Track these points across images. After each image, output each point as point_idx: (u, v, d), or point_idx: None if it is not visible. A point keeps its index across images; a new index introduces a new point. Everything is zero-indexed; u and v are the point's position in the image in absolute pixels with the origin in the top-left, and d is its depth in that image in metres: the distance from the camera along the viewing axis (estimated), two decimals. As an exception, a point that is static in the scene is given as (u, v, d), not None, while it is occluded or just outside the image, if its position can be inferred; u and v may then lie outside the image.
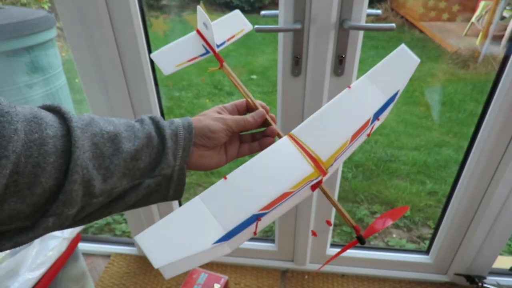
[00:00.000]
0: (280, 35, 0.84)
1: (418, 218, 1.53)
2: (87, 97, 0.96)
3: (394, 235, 1.46)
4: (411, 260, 1.22)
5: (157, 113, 1.00)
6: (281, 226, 1.19)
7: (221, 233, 0.32)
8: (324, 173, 0.35)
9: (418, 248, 1.39)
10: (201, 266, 1.19)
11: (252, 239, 1.31)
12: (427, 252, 1.23)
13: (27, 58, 1.14)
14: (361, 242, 0.37)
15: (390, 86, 0.40)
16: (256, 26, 0.77)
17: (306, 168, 0.35)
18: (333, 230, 1.34)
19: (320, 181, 0.37)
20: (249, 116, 0.44)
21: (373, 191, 1.69)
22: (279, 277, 1.23)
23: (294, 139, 0.37)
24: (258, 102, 0.47)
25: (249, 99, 0.47)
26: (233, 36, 0.54)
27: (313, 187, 0.37)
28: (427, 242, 1.31)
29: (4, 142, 0.26)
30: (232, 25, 0.56)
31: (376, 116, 0.38)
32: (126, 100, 0.95)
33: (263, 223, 0.34)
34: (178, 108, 2.36)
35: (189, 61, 0.52)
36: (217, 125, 0.41)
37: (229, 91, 2.54)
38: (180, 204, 1.25)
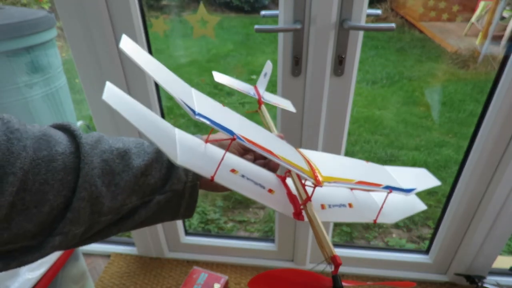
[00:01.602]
0: (280, 35, 0.84)
1: (418, 218, 1.53)
2: (87, 97, 0.96)
3: (394, 235, 1.46)
4: (411, 260, 1.22)
5: (157, 113, 1.00)
6: (281, 226, 1.19)
7: (194, 106, 0.30)
8: (319, 182, 0.33)
9: (418, 248, 1.39)
10: (201, 266, 1.19)
11: (252, 239, 1.31)
12: (427, 252, 1.23)
13: (27, 58, 1.14)
14: (336, 285, 0.30)
15: (407, 181, 0.41)
16: (256, 26, 0.77)
17: (303, 164, 0.34)
18: (333, 230, 1.34)
19: (309, 198, 0.34)
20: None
21: (373, 191, 1.68)
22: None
23: (299, 151, 0.38)
24: (276, 134, 0.46)
25: (268, 125, 0.49)
26: (279, 104, 0.59)
27: (296, 215, 0.34)
28: (427, 242, 1.31)
29: (12, 159, 0.25)
30: (282, 101, 0.61)
31: (389, 188, 0.37)
32: (126, 100, 0.95)
33: (230, 177, 0.31)
34: (178, 108, 2.36)
35: (238, 89, 0.56)
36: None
37: (229, 91, 2.54)
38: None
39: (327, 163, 0.38)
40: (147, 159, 0.34)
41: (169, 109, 2.34)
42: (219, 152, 0.33)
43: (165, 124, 0.31)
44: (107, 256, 1.33)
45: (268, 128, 0.48)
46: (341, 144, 0.99)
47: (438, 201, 1.63)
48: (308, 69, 0.86)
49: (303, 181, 0.36)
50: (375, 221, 0.38)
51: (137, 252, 1.32)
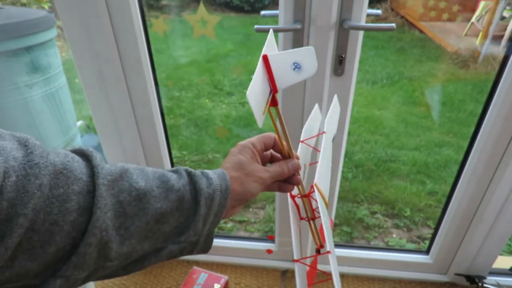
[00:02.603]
0: (280, 35, 0.84)
1: (418, 218, 1.54)
2: (87, 97, 0.96)
3: (394, 235, 1.46)
4: (411, 260, 1.22)
5: (157, 113, 1.00)
6: (281, 226, 1.19)
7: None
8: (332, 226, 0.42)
9: (418, 248, 1.39)
10: (201, 266, 1.19)
11: (252, 239, 1.31)
12: (427, 252, 1.23)
13: (27, 58, 1.14)
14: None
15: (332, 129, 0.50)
16: (256, 26, 0.77)
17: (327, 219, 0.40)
18: (333, 230, 1.34)
19: (314, 217, 0.45)
20: (286, 168, 0.42)
21: (373, 191, 1.69)
22: (279, 277, 1.23)
23: (318, 189, 0.41)
24: (294, 154, 0.44)
25: (287, 146, 0.43)
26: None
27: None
28: (427, 242, 1.31)
29: (26, 199, 0.24)
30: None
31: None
32: (126, 100, 0.95)
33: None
34: (178, 108, 2.36)
35: (266, 103, 0.40)
36: (258, 189, 0.38)
37: (229, 91, 2.55)
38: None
39: (326, 179, 0.44)
40: (165, 206, 0.32)
41: (169, 109, 2.35)
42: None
43: None
44: (107, 256, 1.33)
45: (277, 129, 0.43)
46: (341, 144, 0.99)
47: (438, 201, 1.63)
48: (308, 69, 0.86)
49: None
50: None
51: (137, 252, 1.32)
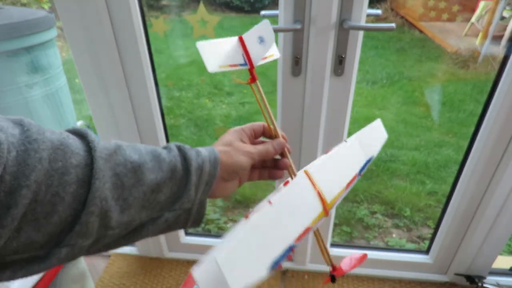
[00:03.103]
0: (280, 35, 0.84)
1: (418, 218, 1.54)
2: (87, 97, 0.96)
3: (394, 235, 1.46)
4: (411, 260, 1.22)
5: (157, 113, 1.00)
6: (281, 226, 1.19)
7: (268, 260, 0.32)
8: (327, 214, 0.37)
9: (418, 248, 1.39)
10: (201, 266, 1.19)
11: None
12: (427, 252, 1.23)
13: (27, 58, 1.14)
14: (332, 280, 0.41)
15: (369, 150, 0.46)
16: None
17: (318, 208, 0.37)
18: (333, 230, 1.34)
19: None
20: (270, 147, 0.44)
21: (373, 191, 1.69)
22: (279, 277, 1.23)
23: (309, 176, 0.39)
24: (281, 133, 0.46)
25: (272, 126, 0.46)
26: (265, 58, 0.51)
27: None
28: (427, 242, 1.31)
29: (28, 171, 0.26)
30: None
31: (360, 172, 0.42)
32: (126, 100, 0.95)
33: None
34: (178, 108, 2.36)
35: (230, 66, 0.47)
36: (246, 162, 0.40)
37: (229, 91, 2.55)
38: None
39: (328, 176, 0.40)
40: (160, 177, 0.34)
41: (169, 109, 2.35)
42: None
43: None
44: (107, 256, 1.33)
45: (265, 111, 0.46)
46: (341, 144, 0.99)
47: (438, 201, 1.63)
48: (308, 69, 0.86)
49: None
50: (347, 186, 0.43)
51: (137, 252, 1.32)
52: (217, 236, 1.38)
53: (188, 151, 0.37)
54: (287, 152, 0.46)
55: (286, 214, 0.35)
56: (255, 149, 0.42)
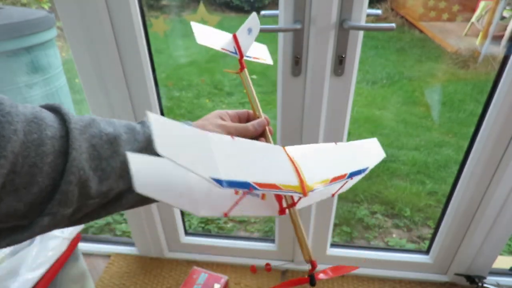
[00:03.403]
0: (280, 35, 0.84)
1: (418, 218, 1.54)
2: (87, 97, 0.96)
3: (394, 235, 1.46)
4: (411, 260, 1.22)
5: (157, 113, 1.00)
6: (281, 226, 1.19)
7: (218, 174, 0.30)
8: (305, 194, 0.35)
9: (418, 248, 1.39)
10: (201, 266, 1.19)
11: (252, 239, 1.31)
12: (427, 252, 1.23)
13: (27, 58, 1.14)
14: (311, 283, 0.37)
15: (363, 159, 0.44)
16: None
17: (292, 178, 0.35)
18: (333, 230, 1.34)
19: (295, 203, 0.37)
20: (249, 125, 0.45)
21: (373, 191, 1.69)
22: (279, 277, 1.23)
23: (286, 152, 0.38)
24: (263, 116, 0.48)
25: (255, 108, 0.48)
26: (258, 58, 0.57)
27: (282, 211, 0.38)
28: (427, 242, 1.31)
29: (3, 143, 0.26)
30: (260, 51, 0.60)
31: (352, 175, 0.40)
32: (126, 100, 0.95)
33: (243, 206, 0.34)
34: (178, 108, 2.36)
35: (222, 49, 0.53)
36: (219, 133, 0.41)
37: (229, 91, 2.55)
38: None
39: (309, 161, 0.39)
40: (135, 147, 0.36)
41: (169, 109, 2.35)
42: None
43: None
44: (107, 256, 1.33)
45: (251, 96, 0.49)
46: (341, 144, 0.99)
47: (438, 201, 1.63)
48: (308, 69, 0.86)
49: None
50: (333, 195, 0.43)
51: (137, 252, 1.32)
52: (217, 236, 1.38)
53: None
54: (268, 134, 0.47)
55: (256, 155, 0.34)
56: (232, 124, 0.43)
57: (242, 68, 0.51)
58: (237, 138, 0.34)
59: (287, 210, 0.38)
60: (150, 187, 0.28)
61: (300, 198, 0.36)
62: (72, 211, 0.32)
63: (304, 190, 0.35)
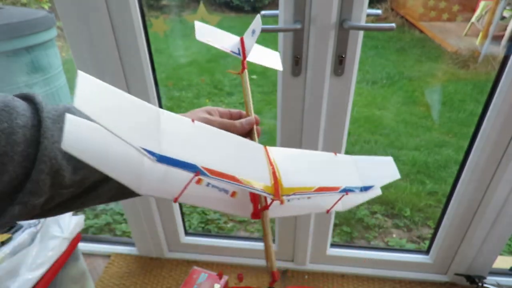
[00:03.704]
0: (280, 35, 0.84)
1: (418, 218, 1.53)
2: (87, 97, 0.96)
3: (394, 235, 1.46)
4: (411, 260, 1.22)
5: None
6: (281, 226, 1.19)
7: (157, 148, 0.27)
8: (278, 197, 0.32)
9: (418, 248, 1.39)
10: (201, 266, 1.19)
11: (252, 239, 1.31)
12: (427, 252, 1.23)
13: (27, 58, 1.14)
14: None
15: (368, 178, 0.41)
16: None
17: (265, 177, 0.33)
18: (333, 230, 1.34)
19: (267, 206, 0.35)
20: (237, 122, 0.44)
21: (373, 191, 1.68)
22: (279, 277, 1.23)
23: (267, 152, 0.37)
24: (253, 116, 0.47)
25: (248, 108, 0.48)
26: (264, 62, 0.57)
27: (256, 214, 0.35)
28: (427, 242, 1.31)
29: None
30: (270, 58, 0.60)
31: (347, 190, 0.37)
32: (126, 100, 0.95)
33: (194, 191, 0.32)
34: (178, 108, 2.36)
35: (221, 47, 0.54)
36: None
37: (229, 91, 2.55)
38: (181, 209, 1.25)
39: (292, 165, 0.37)
40: None
41: (169, 109, 2.34)
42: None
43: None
44: (107, 256, 1.33)
45: (246, 95, 0.49)
46: (341, 144, 0.99)
47: (438, 201, 1.63)
48: (308, 69, 0.86)
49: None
50: (327, 211, 0.40)
51: (137, 252, 1.32)
52: (217, 236, 1.38)
53: None
54: (255, 133, 0.45)
55: (223, 144, 0.33)
56: (218, 119, 0.42)
57: (243, 69, 0.52)
58: (198, 122, 0.33)
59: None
60: (79, 149, 0.26)
61: (272, 200, 0.33)
62: (44, 201, 0.31)
63: (277, 192, 0.33)
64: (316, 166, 0.39)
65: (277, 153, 0.37)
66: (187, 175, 0.28)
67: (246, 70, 0.51)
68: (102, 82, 0.27)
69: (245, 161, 0.34)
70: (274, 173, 0.34)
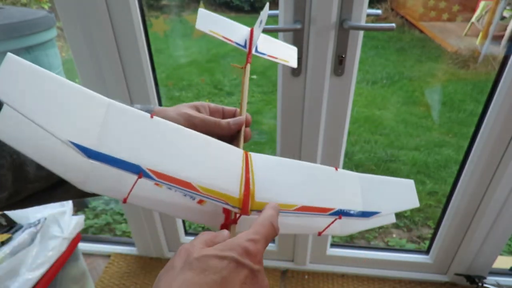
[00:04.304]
0: (280, 35, 0.84)
1: (418, 218, 1.53)
2: (87, 97, 0.96)
3: (394, 235, 1.46)
4: (411, 260, 1.22)
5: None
6: (281, 226, 1.19)
7: (91, 143, 0.25)
8: (246, 212, 0.29)
9: (418, 248, 1.38)
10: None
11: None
12: (427, 252, 1.23)
13: (27, 58, 1.14)
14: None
15: (373, 202, 0.35)
16: (256, 26, 0.77)
17: (233, 188, 0.30)
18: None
19: (235, 220, 0.30)
20: (223, 120, 0.39)
21: (373, 191, 1.68)
22: (279, 277, 1.23)
23: (247, 159, 0.32)
24: (246, 114, 0.42)
25: (242, 106, 0.43)
26: (276, 58, 0.52)
27: (225, 226, 0.31)
28: (427, 242, 1.31)
29: None
30: (283, 52, 0.54)
31: (341, 213, 0.32)
32: (126, 100, 0.95)
33: (139, 193, 0.28)
34: (178, 108, 2.36)
35: (225, 38, 0.49)
36: (177, 121, 0.36)
37: (229, 91, 2.54)
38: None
39: (275, 177, 0.32)
40: None
41: (169, 109, 2.34)
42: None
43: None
44: (107, 256, 1.33)
45: (242, 89, 0.45)
46: (341, 144, 0.99)
47: (438, 201, 1.63)
48: (308, 69, 0.86)
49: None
50: (319, 233, 0.34)
51: (137, 252, 1.32)
52: (217, 236, 1.38)
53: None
54: (242, 136, 0.40)
55: (185, 145, 0.29)
56: (200, 116, 0.38)
57: (247, 63, 0.48)
58: (157, 118, 0.29)
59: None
60: (12, 136, 0.24)
61: (239, 215, 0.30)
62: (8, 195, 0.31)
63: (245, 206, 0.29)
64: (307, 181, 0.33)
65: (261, 161, 0.33)
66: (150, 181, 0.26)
67: (249, 65, 0.47)
68: (40, 69, 0.25)
69: (210, 166, 0.30)
70: (247, 184, 0.30)
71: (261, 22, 0.48)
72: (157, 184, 0.28)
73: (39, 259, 0.83)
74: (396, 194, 0.36)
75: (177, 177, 0.26)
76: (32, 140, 0.25)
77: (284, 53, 0.54)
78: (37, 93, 0.23)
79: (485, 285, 1.14)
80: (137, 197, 0.28)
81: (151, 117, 0.29)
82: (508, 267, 1.20)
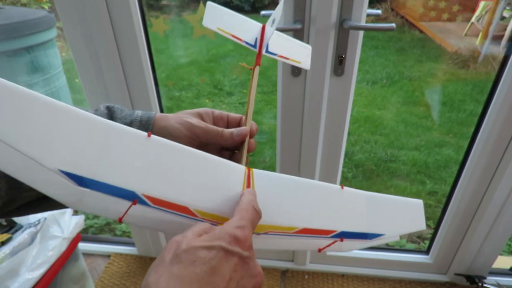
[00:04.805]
0: (280, 35, 0.84)
1: (418, 218, 1.53)
2: (87, 97, 0.96)
3: (394, 235, 1.46)
4: (411, 260, 1.22)
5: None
6: (281, 226, 1.19)
7: (83, 170, 0.24)
8: None
9: (418, 248, 1.38)
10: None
11: (252, 239, 1.31)
12: (427, 252, 1.23)
13: (27, 58, 1.14)
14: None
15: (378, 224, 0.34)
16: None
17: (232, 212, 0.29)
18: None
19: None
20: (226, 130, 0.38)
21: (373, 191, 1.68)
22: (279, 277, 1.23)
23: (249, 177, 0.31)
24: (252, 123, 0.40)
25: (248, 113, 0.40)
26: (287, 58, 0.49)
27: None
28: (427, 242, 1.31)
29: None
30: (296, 51, 0.51)
31: (342, 235, 0.32)
32: (126, 100, 0.95)
33: (135, 213, 0.27)
34: (178, 108, 2.36)
35: (233, 36, 0.45)
36: (178, 130, 0.36)
37: (229, 91, 2.54)
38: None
39: (277, 197, 0.31)
40: None
41: (169, 109, 2.35)
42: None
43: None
44: (107, 256, 1.33)
45: (250, 93, 0.42)
46: (341, 144, 0.99)
47: (438, 201, 1.63)
48: (308, 69, 0.86)
49: None
50: (320, 250, 0.33)
51: (137, 252, 1.32)
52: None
53: (117, 110, 0.36)
54: (245, 149, 0.38)
55: (184, 165, 0.27)
56: (202, 125, 0.37)
57: (256, 64, 0.44)
58: (154, 137, 0.28)
59: None
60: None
61: None
62: (2, 203, 0.31)
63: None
64: (310, 202, 0.32)
65: (263, 179, 0.31)
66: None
67: (258, 67, 0.44)
68: (26, 90, 0.23)
69: (209, 187, 0.28)
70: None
71: (273, 20, 0.44)
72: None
73: (39, 259, 0.83)
74: (403, 215, 0.35)
75: (173, 202, 0.26)
76: (21, 168, 0.23)
77: (296, 53, 0.51)
78: (21, 118, 0.22)
79: (485, 285, 1.14)
80: (133, 217, 0.27)
81: (148, 136, 0.28)
82: (508, 267, 1.20)
